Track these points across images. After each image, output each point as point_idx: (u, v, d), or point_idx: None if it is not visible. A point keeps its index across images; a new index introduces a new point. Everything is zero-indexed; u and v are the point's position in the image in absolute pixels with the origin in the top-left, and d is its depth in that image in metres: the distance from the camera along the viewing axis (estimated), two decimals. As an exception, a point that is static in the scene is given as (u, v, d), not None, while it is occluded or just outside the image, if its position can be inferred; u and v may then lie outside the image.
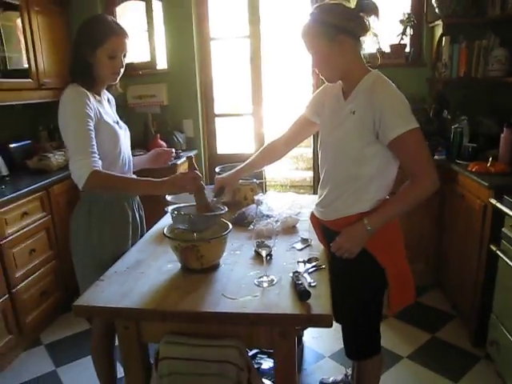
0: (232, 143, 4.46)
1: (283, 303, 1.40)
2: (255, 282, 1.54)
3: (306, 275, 1.56)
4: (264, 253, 1.55)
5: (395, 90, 1.57)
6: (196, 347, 1.43)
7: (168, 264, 1.70)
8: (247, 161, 2.02)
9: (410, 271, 1.74)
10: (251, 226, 1.98)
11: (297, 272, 1.54)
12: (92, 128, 1.71)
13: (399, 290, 1.70)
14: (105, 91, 1.96)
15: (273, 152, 2.04)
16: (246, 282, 1.55)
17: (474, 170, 2.76)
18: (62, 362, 2.71)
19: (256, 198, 2.22)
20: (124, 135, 1.96)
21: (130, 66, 3.72)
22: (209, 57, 4.08)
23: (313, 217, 1.88)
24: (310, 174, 5.94)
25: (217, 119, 4.21)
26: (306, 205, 2.37)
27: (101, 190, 1.79)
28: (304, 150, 6.15)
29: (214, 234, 1.62)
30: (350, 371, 2.38)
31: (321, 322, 1.36)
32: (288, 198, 2.44)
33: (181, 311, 1.39)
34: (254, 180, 2.33)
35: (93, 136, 1.71)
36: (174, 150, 2.20)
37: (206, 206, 1.75)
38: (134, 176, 2.02)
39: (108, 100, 1.99)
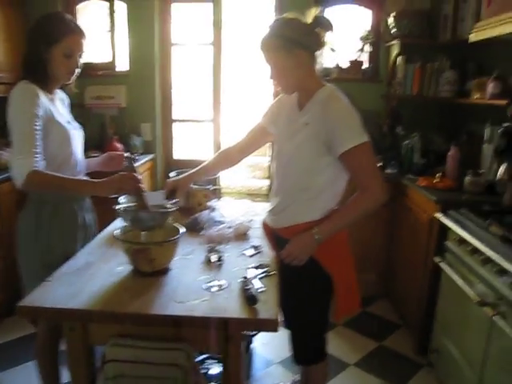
0: (190, 149, 4.46)
1: (231, 307, 1.42)
2: (204, 286, 1.55)
3: (255, 281, 1.58)
4: (214, 258, 1.57)
5: (348, 104, 1.63)
6: (143, 350, 1.42)
7: (119, 266, 1.68)
8: (201, 165, 2.04)
9: (356, 282, 1.80)
10: (203, 232, 2.00)
11: (246, 278, 1.56)
12: (39, 128, 1.68)
13: (345, 299, 1.75)
14: (57, 91, 1.94)
15: (227, 158, 2.06)
16: (195, 286, 1.56)
17: (422, 184, 2.88)
18: (3, 367, 2.61)
19: (209, 204, 2.23)
20: (76, 135, 1.94)
21: (89, 66, 3.69)
22: (169, 62, 4.08)
23: (264, 224, 1.91)
24: (267, 182, 5.99)
25: (175, 124, 4.21)
26: (259, 212, 2.40)
27: (39, 189, 1.76)
28: (261, 159, 6.20)
29: (166, 238, 1.63)
30: (298, 377, 2.41)
31: (267, 326, 1.39)
32: (242, 205, 2.46)
33: (129, 313, 1.38)
34: (209, 186, 2.34)
35: (38, 136, 1.68)
36: (126, 154, 2.17)
37: (144, 208, 1.72)
38: (83, 177, 1.99)
39: (61, 99, 1.97)
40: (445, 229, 2.43)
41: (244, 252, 1.87)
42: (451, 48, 3.39)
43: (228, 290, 1.54)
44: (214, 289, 1.53)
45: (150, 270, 1.59)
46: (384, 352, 2.89)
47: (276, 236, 1.82)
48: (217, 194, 2.43)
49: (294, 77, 1.65)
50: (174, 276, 1.63)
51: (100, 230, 2.12)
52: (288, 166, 1.72)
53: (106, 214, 2.25)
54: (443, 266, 2.40)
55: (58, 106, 1.88)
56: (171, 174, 2.43)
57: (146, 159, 3.77)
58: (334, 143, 1.59)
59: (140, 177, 1.74)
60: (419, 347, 2.81)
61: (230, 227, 2.04)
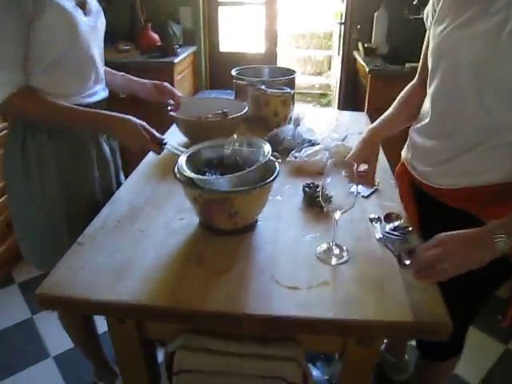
0: (237, 39, 3.73)
1: (369, 297, 0.88)
2: (318, 254, 1.01)
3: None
4: (337, 215, 1.00)
5: None
6: (229, 357, 0.93)
7: (179, 216, 1.15)
8: (383, 117, 1.29)
9: None
10: (291, 157, 1.43)
11: (381, 238, 1.01)
12: (21, 23, 1.12)
13: None
14: None
15: (413, 99, 1.30)
16: (302, 252, 1.01)
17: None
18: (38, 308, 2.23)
19: (293, 115, 1.63)
20: (90, 29, 1.30)
21: None
22: None
23: (403, 170, 1.31)
24: (319, 79, 5.26)
25: (221, 8, 3.43)
26: (350, 125, 1.80)
27: (21, 116, 1.26)
28: (313, 52, 5.39)
29: (255, 179, 1.05)
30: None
31: (433, 332, 0.85)
32: (328, 115, 1.85)
33: (209, 312, 0.86)
34: (287, 89, 1.71)
35: (18, 35, 1.12)
36: (180, 98, 1.61)
37: None
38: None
39: None
40: None
41: (354, 189, 1.29)
42: None
43: (354, 260, 0.99)
44: (333, 260, 0.99)
45: (230, 227, 1.05)
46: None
47: (420, 192, 1.23)
48: (294, 100, 1.80)
49: None
50: (265, 235, 1.08)
51: (129, 165, 1.56)
52: (470, 87, 1.01)
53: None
54: None
55: None
56: (233, 73, 1.83)
57: (187, 52, 3.09)
58: None
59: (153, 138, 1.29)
60: None
61: (326, 150, 1.45)
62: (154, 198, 1.25)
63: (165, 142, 1.29)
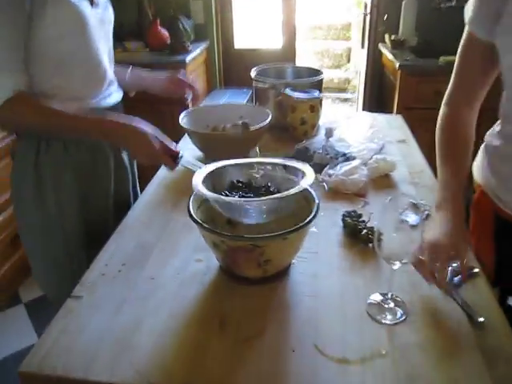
0: (253, 34, 3.52)
1: (439, 373, 0.69)
2: (368, 310, 0.81)
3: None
4: (396, 266, 0.80)
5: None
6: None
7: (196, 256, 0.96)
8: (443, 175, 0.97)
9: None
10: (324, 175, 1.23)
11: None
12: (18, 22, 0.97)
13: None
14: None
15: (462, 131, 1.01)
16: (349, 306, 0.82)
17: None
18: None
19: (324, 124, 1.43)
20: (98, 22, 1.14)
21: None
22: None
23: (482, 198, 1.07)
24: (338, 73, 5.02)
25: (234, 1, 3.21)
26: (386, 132, 1.59)
27: (13, 125, 1.11)
28: (331, 45, 5.15)
29: (286, 220, 0.85)
30: None
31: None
32: (359, 119, 1.65)
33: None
34: (316, 93, 1.51)
35: (15, 36, 0.98)
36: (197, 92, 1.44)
37: None
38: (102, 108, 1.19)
39: None
40: None
41: (403, 217, 1.08)
42: None
43: (413, 317, 0.79)
44: (388, 318, 0.80)
45: (259, 275, 0.85)
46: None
47: (504, 225, 1.00)
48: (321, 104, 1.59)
49: None
50: (300, 282, 0.89)
51: (145, 176, 1.39)
52: None
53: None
54: None
55: None
56: (252, 74, 1.64)
57: (200, 49, 2.89)
58: None
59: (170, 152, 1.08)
60: None
61: (365, 164, 1.25)
62: (165, 231, 1.06)
63: (180, 155, 1.10)
